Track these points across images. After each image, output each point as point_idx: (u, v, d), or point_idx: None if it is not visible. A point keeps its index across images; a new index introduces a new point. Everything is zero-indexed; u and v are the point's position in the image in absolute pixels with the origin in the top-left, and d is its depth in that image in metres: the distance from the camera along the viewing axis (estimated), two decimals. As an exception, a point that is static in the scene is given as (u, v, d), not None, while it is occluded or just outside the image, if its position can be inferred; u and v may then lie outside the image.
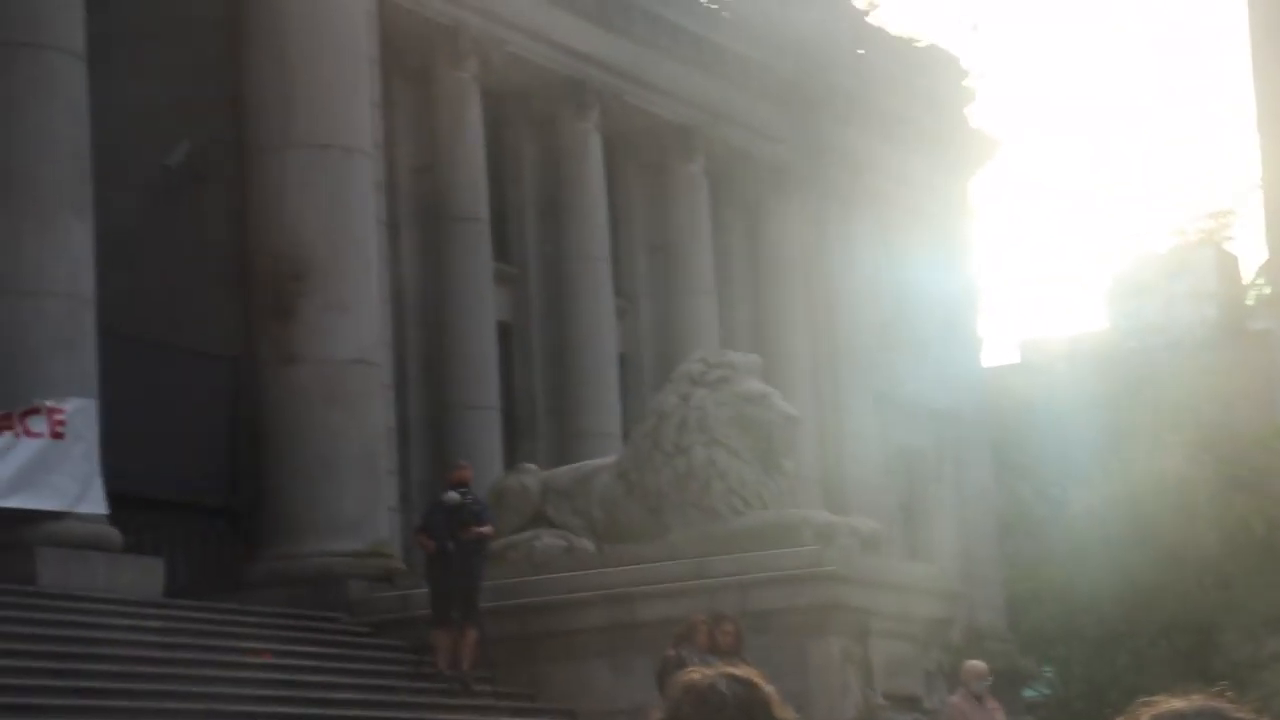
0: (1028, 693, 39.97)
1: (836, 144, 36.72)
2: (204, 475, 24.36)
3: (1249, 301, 56.26)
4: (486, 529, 20.98)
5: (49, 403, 20.18)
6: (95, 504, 20.45)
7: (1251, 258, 60.83)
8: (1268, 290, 53.11)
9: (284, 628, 21.14)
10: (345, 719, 18.83)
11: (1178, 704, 2.76)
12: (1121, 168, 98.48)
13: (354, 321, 24.15)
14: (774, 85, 35.92)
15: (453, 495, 20.91)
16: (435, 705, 20.09)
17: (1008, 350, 76.73)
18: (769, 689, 4.00)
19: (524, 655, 21.46)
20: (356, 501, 23.63)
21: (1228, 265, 60.06)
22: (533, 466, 24.51)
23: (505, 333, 30.24)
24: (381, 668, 20.98)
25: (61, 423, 20.23)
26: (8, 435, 19.83)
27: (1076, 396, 47.23)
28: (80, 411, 20.44)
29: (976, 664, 20.20)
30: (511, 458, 28.08)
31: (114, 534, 20.80)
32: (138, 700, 17.43)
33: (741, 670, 4.03)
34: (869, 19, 40.45)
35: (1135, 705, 2.81)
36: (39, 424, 20.07)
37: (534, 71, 31.10)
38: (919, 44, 41.30)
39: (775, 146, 36.13)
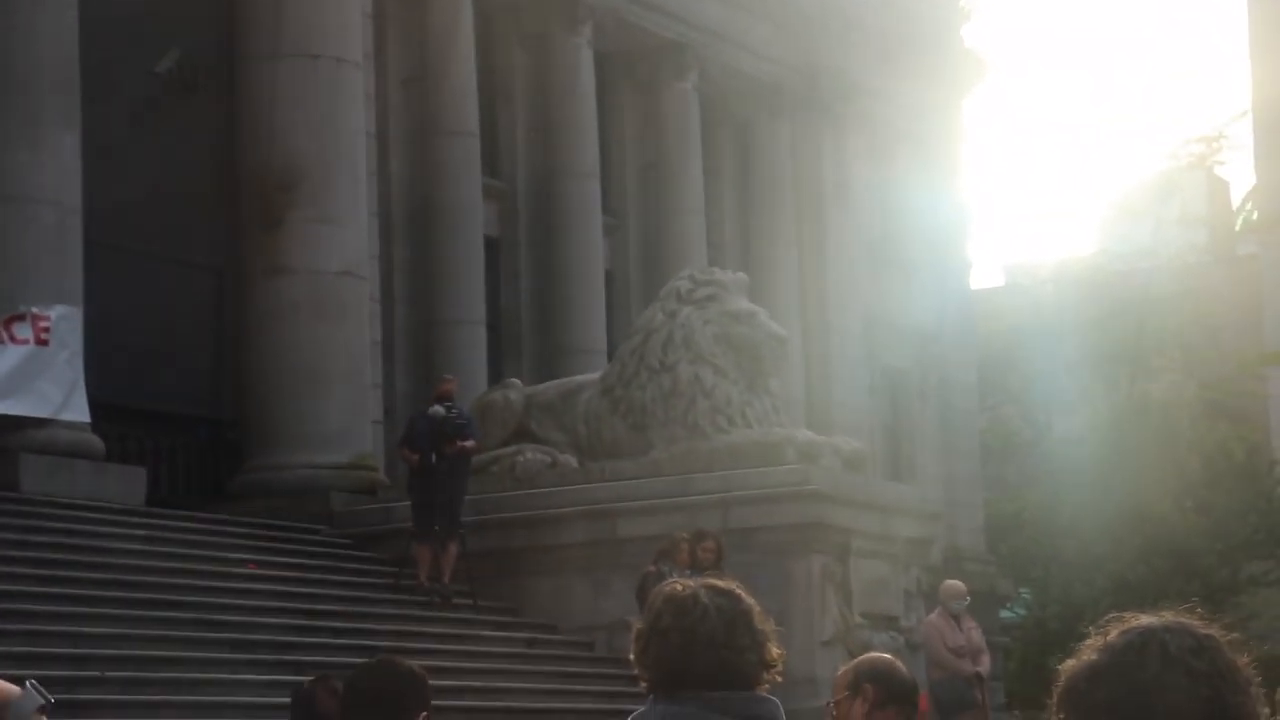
0: (1005, 614, 40.21)
1: (830, 64, 36.57)
2: (188, 385, 24.39)
3: (1238, 226, 56.22)
4: (470, 443, 21.03)
5: (34, 309, 20.16)
6: (79, 411, 20.47)
7: (1243, 183, 60.74)
8: (1255, 215, 53.05)
9: (266, 538, 21.23)
10: (326, 629, 18.94)
11: (1146, 620, 2.82)
12: (1114, 93, 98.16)
13: (342, 234, 24.12)
14: (769, 4, 35.75)
15: (438, 409, 20.96)
16: (416, 617, 20.22)
17: (995, 273, 76.70)
18: (750, 601, 4.01)
19: (505, 570, 21.57)
20: (340, 414, 23.67)
21: (1219, 190, 59.93)
22: (517, 381, 24.56)
23: (492, 248, 30.19)
24: (362, 580, 21.09)
25: (46, 329, 20.22)
26: (-7, 341, 19.82)
27: (1062, 320, 47.26)
28: (65, 318, 20.42)
29: (954, 583, 20.33)
30: (497, 373, 28.11)
31: (97, 442, 20.84)
32: (122, 608, 17.53)
33: (723, 582, 4.05)
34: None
35: (1106, 620, 2.87)
36: (24, 330, 20.06)
37: (526, -15, 30.90)
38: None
39: (768, 66, 35.98)
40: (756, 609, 4.00)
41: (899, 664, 6.77)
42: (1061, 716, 2.82)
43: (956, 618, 19.71)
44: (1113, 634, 2.85)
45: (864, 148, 37.30)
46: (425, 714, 5.40)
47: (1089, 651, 2.83)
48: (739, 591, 3.99)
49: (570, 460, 22.48)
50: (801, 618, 20.05)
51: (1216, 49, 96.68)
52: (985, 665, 19.71)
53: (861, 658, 6.73)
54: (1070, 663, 2.85)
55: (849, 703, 6.35)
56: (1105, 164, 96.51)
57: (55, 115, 21.07)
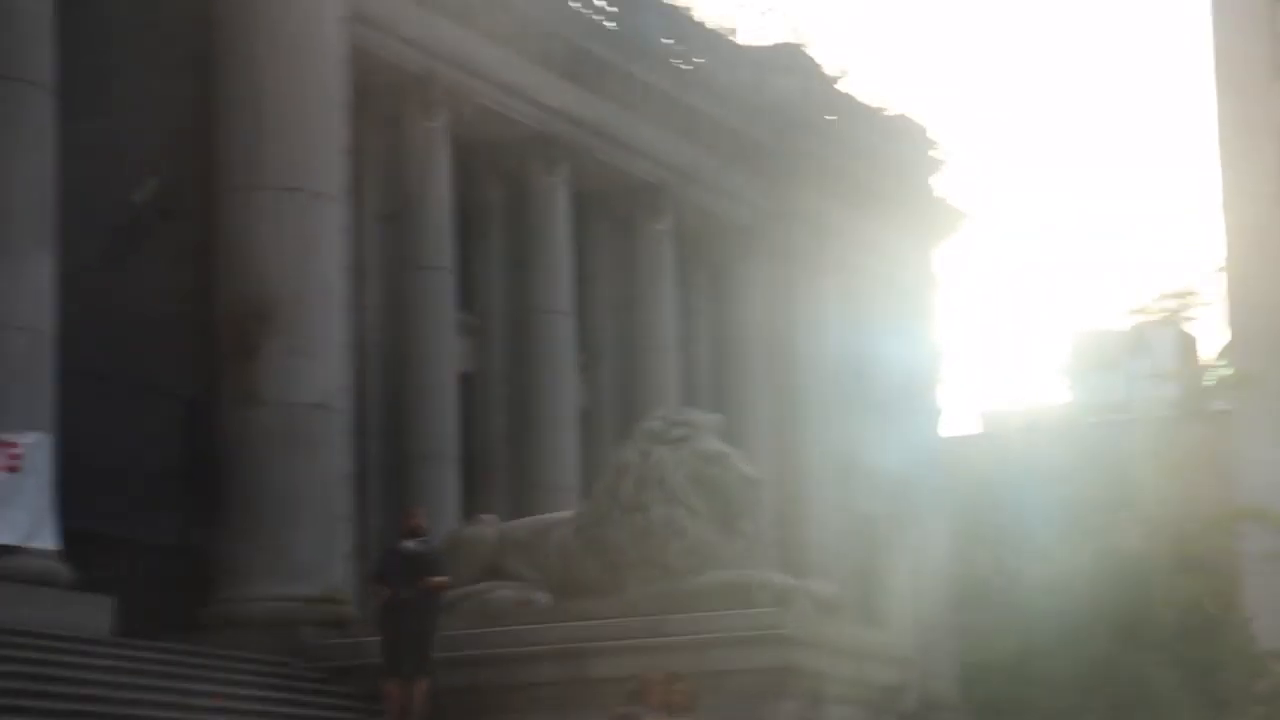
0: (979, 764, 39.88)
1: (804, 209, 36.83)
2: (159, 514, 24.16)
3: (1208, 382, 56.48)
4: (442, 579, 20.82)
5: (5, 436, 20.01)
6: (46, 539, 20.25)
7: (1211, 339, 61.18)
8: (1229, 371, 53.36)
9: (234, 671, 20.93)
10: (292, 765, 18.63)
11: None
12: (1086, 243, 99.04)
13: (317, 366, 24.04)
14: (744, 148, 36.03)
15: (408, 544, 20.77)
16: (384, 755, 19.90)
17: (968, 420, 76.88)
18: None
19: (475, 708, 21.28)
20: (312, 547, 23.47)
21: (1188, 346, 60.33)
22: (491, 517, 24.37)
23: (467, 383, 30.16)
24: (332, 715, 20.79)
25: (17, 456, 20.06)
26: (-38, 468, 19.65)
27: (1035, 469, 47.29)
28: (36, 446, 20.27)
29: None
30: (469, 508, 27.96)
31: (63, 570, 20.59)
32: (83, 739, 17.22)
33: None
34: (839, 85, 40.60)
35: None
36: (-7, 457, 19.89)
37: (505, 124, 31.11)
38: (888, 112, 41.48)
39: (743, 209, 36.22)
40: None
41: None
42: None
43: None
44: None
45: (838, 291, 37.48)
46: None
47: None
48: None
49: (542, 598, 22.27)
50: (775, 762, 19.79)
51: (1188, 204, 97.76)
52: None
53: None
54: None
55: None
56: (1077, 316, 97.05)
57: (29, 241, 21.01)
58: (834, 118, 38.65)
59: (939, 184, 42.13)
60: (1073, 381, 57.70)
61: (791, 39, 39.60)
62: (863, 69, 55.96)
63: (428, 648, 20.44)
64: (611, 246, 34.25)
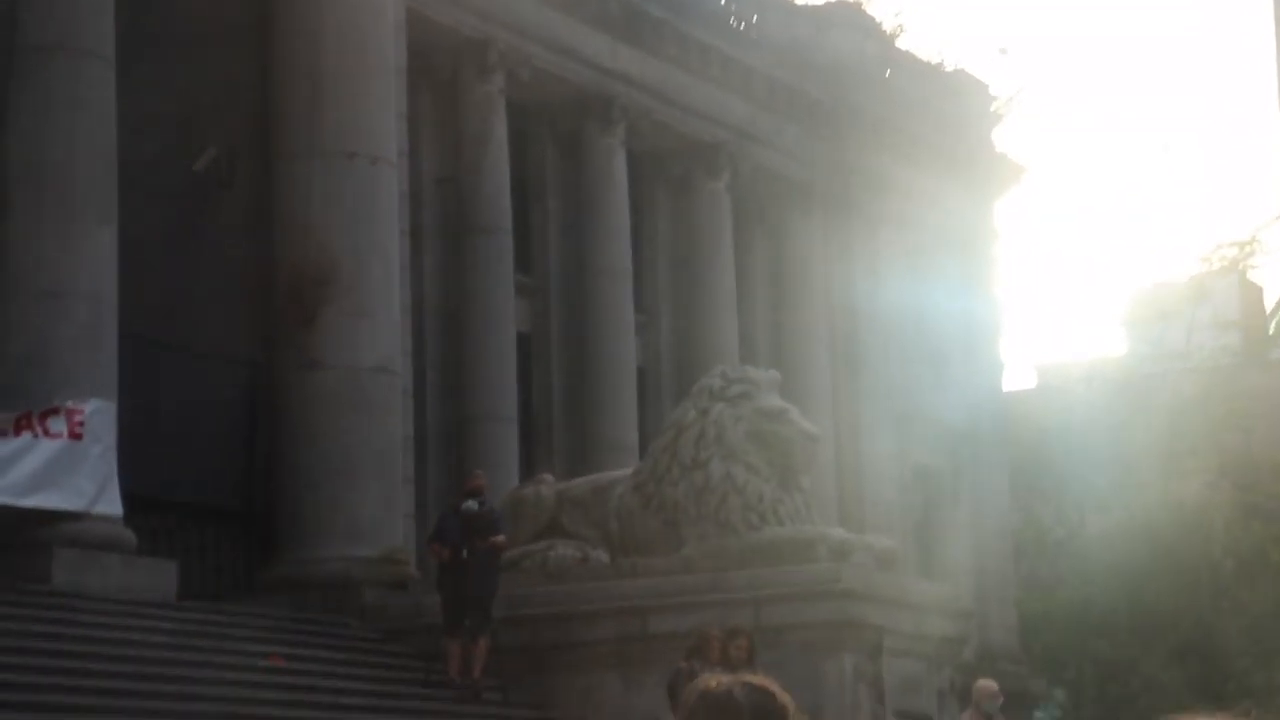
0: (1038, 714, 39.88)
1: (862, 166, 36.75)
2: (221, 479, 24.42)
3: (1271, 330, 56.13)
4: (500, 539, 21.00)
5: (69, 403, 20.25)
6: (111, 505, 20.52)
7: (1273, 287, 60.70)
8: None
9: (296, 632, 21.19)
10: (356, 724, 18.85)
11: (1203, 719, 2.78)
12: (1147, 194, 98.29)
13: (375, 329, 24.22)
14: (801, 107, 35.97)
15: (470, 504, 20.93)
16: (445, 713, 20.11)
17: (1027, 373, 76.58)
18: (786, 698, 3.96)
19: (535, 666, 21.47)
20: (373, 508, 23.68)
21: (1251, 294, 59.88)
22: (549, 477, 24.53)
23: (525, 344, 30.29)
24: (392, 674, 21.01)
25: (80, 424, 20.30)
26: (26, 435, 19.90)
27: (1094, 421, 47.15)
28: (99, 413, 20.51)
29: (988, 683, 20.17)
30: (528, 469, 28.11)
31: (129, 535, 20.87)
32: (150, 701, 17.48)
33: (758, 679, 4.00)
34: (897, 43, 40.49)
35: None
36: (58, 424, 20.13)
37: (561, 86, 31.17)
38: (946, 68, 41.32)
39: (801, 167, 36.17)
40: (791, 706, 3.96)
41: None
42: None
43: (990, 718, 19.54)
44: None
45: (896, 246, 37.40)
46: None
47: None
48: (774, 688, 3.95)
49: (602, 556, 22.41)
50: (834, 716, 19.88)
51: (1252, 153, 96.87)
52: (1018, 765, 19.53)
53: None
54: None
55: None
56: (1138, 266, 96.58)
57: (92, 211, 21.23)
58: (892, 74, 38.54)
59: (998, 138, 41.99)
60: (1133, 332, 57.43)
61: (848, -4, 39.50)
62: (920, 25, 55.68)
63: (488, 606, 20.63)
64: (668, 206, 34.28)
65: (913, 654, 21.24)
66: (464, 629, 20.54)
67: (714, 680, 4.00)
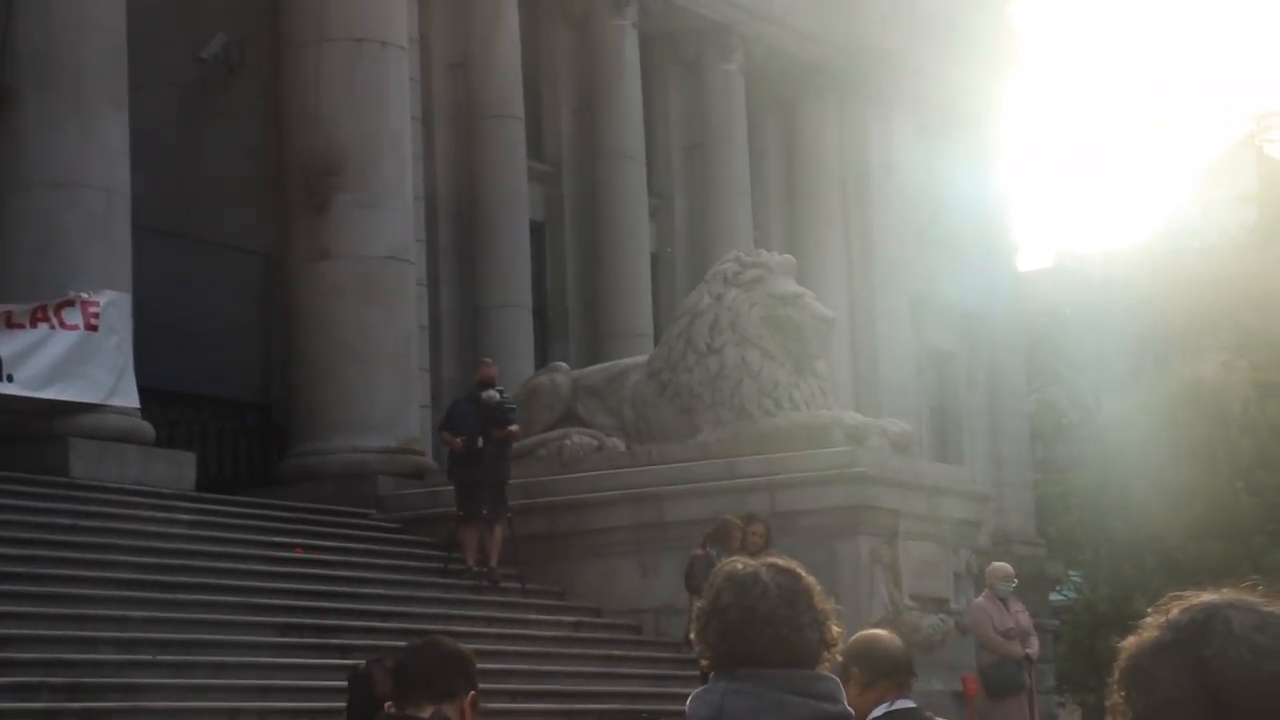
0: (1054, 597, 40.08)
1: (875, 45, 36.44)
2: (236, 370, 24.46)
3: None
4: (515, 428, 21.02)
5: (83, 294, 20.22)
6: (128, 397, 20.54)
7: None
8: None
9: (313, 523, 21.28)
10: (373, 613, 18.96)
11: (1208, 597, 2.78)
12: (1164, 71, 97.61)
13: (387, 218, 24.14)
14: (813, -16, 35.62)
15: (492, 394, 20.90)
16: (463, 601, 20.23)
17: (1043, 255, 76.40)
18: (811, 580, 3.98)
19: (552, 553, 21.57)
20: (387, 398, 23.71)
21: (1269, 169, 59.52)
22: (564, 365, 24.54)
23: (538, 231, 30.19)
24: (409, 563, 21.12)
25: (96, 315, 20.28)
26: (43, 327, 19.89)
27: (1110, 302, 47.06)
28: (114, 304, 20.49)
29: (1002, 565, 20.24)
30: (543, 357, 28.11)
31: (146, 427, 20.92)
32: (170, 592, 17.58)
33: (784, 561, 4.01)
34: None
35: (1166, 599, 2.82)
36: (74, 315, 20.12)
37: (571, -32, 30.90)
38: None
39: (814, 46, 35.88)
40: (817, 587, 3.97)
41: (885, 639, 7.02)
42: (1123, 694, 2.79)
43: (1004, 600, 19.61)
44: (1175, 611, 2.81)
45: (910, 128, 37.17)
46: (473, 694, 5.40)
47: (1151, 629, 2.80)
48: (799, 570, 3.96)
49: (617, 444, 22.46)
50: (850, 600, 19.95)
51: (1271, 23, 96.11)
52: (1034, 648, 19.61)
53: (850, 639, 6.73)
54: (1131, 639, 2.81)
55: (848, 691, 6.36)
56: (1154, 144, 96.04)
57: (103, 101, 21.11)
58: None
59: (1014, 16, 41.65)
60: (1149, 210, 57.22)
61: None
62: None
63: (504, 495, 20.70)
64: (681, 88, 34.06)
65: (929, 537, 21.32)
66: (481, 518, 20.61)
67: (740, 562, 4.02)
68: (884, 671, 6.83)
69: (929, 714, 7.11)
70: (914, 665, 7.25)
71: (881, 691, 6.89)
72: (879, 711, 6.90)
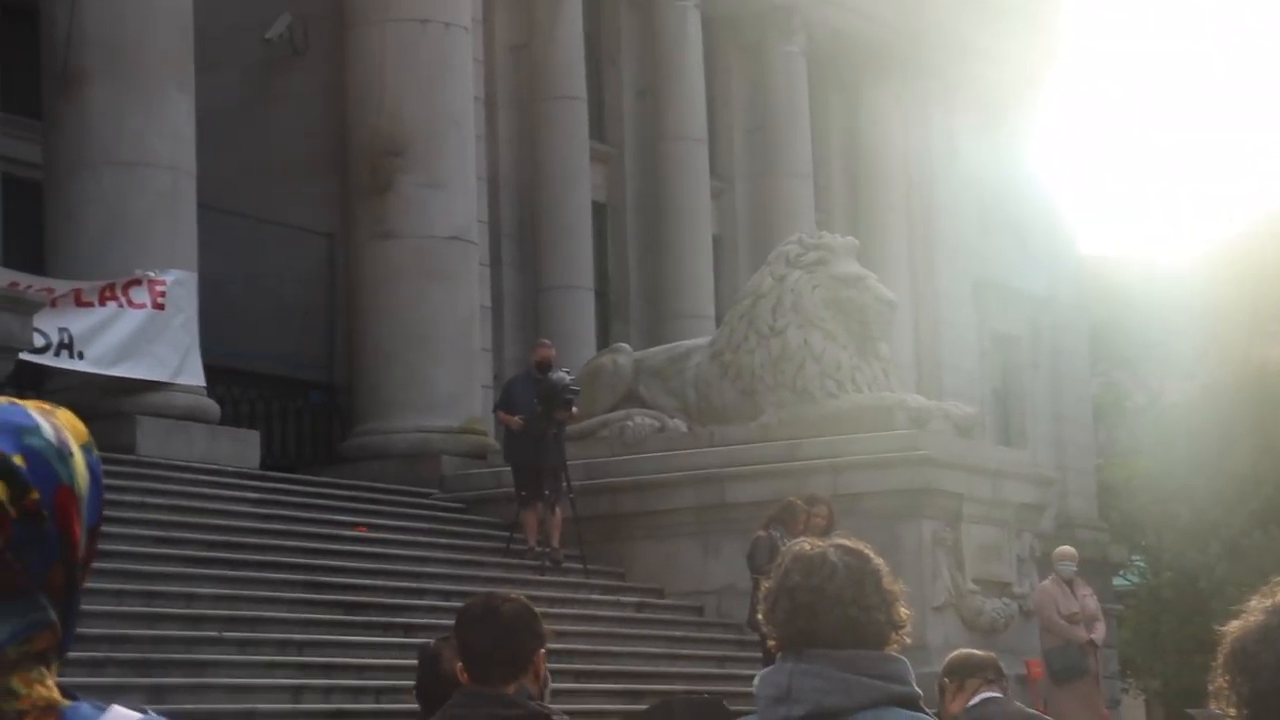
0: (1117, 581, 39.89)
1: (939, 27, 36.28)
2: (300, 350, 24.59)
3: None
4: (570, 409, 20.99)
5: (150, 273, 20.36)
6: (194, 375, 20.68)
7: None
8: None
9: (376, 502, 21.37)
10: (435, 592, 19.03)
11: None
12: (1232, 46, 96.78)
13: (450, 199, 24.20)
14: (876, -35, 35.47)
15: (562, 375, 20.88)
16: (525, 582, 20.24)
17: (1107, 237, 75.97)
18: (879, 561, 3.98)
19: (614, 534, 21.60)
20: (450, 378, 23.78)
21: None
22: (626, 346, 24.54)
23: (600, 213, 30.21)
24: (472, 543, 21.18)
25: (163, 294, 20.42)
26: (112, 305, 20.03)
27: (1176, 284, 46.75)
28: (180, 283, 20.63)
29: (1064, 547, 20.21)
30: (604, 338, 28.14)
31: (212, 405, 21.05)
32: (236, 569, 17.70)
33: (852, 541, 4.01)
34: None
35: (1271, 583, 2.81)
36: (140, 294, 20.26)
37: (634, -51, 30.88)
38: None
39: (877, 28, 35.75)
40: (885, 569, 3.96)
41: (970, 651, 8.77)
42: (1228, 679, 2.77)
43: (1071, 585, 19.56)
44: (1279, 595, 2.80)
45: (974, 110, 37.00)
46: (542, 649, 5.35)
47: (1256, 613, 2.78)
48: (868, 551, 3.95)
49: (679, 425, 22.46)
50: (912, 583, 19.87)
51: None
52: (1099, 632, 19.56)
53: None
54: (1235, 624, 2.79)
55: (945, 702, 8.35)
56: (1223, 126, 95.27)
57: (170, 81, 21.22)
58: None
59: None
60: (1215, 192, 56.81)
61: None
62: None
63: (562, 475, 20.70)
64: (743, 71, 34.00)
65: (992, 521, 21.25)
66: (543, 498, 20.61)
67: (808, 543, 4.01)
68: (969, 673, 8.22)
69: (1015, 703, 8.25)
70: (1001, 667, 8.71)
71: (971, 690, 8.32)
72: (972, 702, 8.32)
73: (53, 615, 2.07)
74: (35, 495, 2.05)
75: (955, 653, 8.54)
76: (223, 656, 15.60)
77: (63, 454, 2.09)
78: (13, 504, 2.04)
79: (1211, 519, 39.15)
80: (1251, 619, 2.76)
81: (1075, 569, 19.85)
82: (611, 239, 30.76)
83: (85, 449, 2.14)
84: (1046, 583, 19.77)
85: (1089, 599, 19.56)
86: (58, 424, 2.12)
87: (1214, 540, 39.10)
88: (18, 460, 2.05)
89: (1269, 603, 2.77)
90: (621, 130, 31.32)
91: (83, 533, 2.11)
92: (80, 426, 2.16)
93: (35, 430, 2.08)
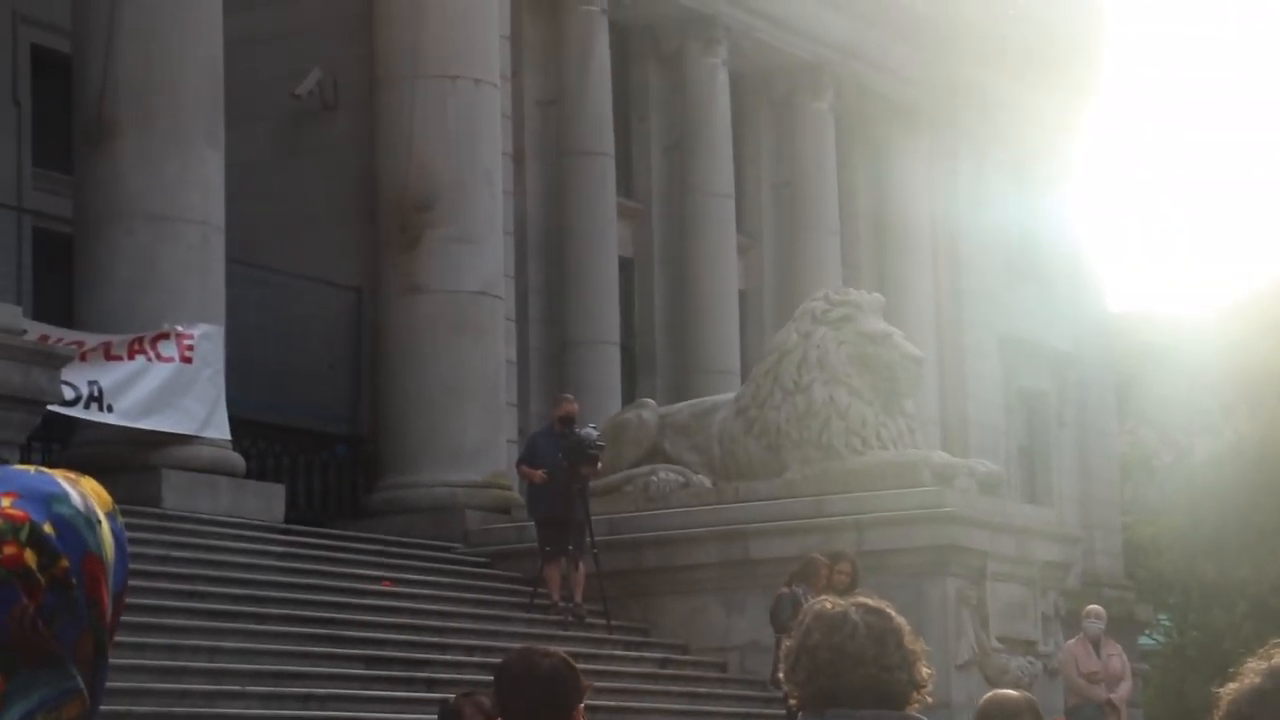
0: (1143, 640, 39.70)
1: (967, 82, 36.35)
2: (326, 403, 24.63)
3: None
4: (594, 465, 20.97)
5: (178, 327, 20.44)
6: (220, 429, 20.73)
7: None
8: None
9: (400, 556, 21.38)
10: (459, 647, 19.03)
11: None
12: (1262, 108, 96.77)
13: (478, 253, 24.28)
14: (905, 22, 35.59)
15: (590, 431, 20.89)
16: (548, 637, 20.21)
17: (1134, 293, 75.81)
18: (901, 620, 3.98)
19: (637, 590, 21.56)
20: (476, 432, 23.81)
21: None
22: (651, 401, 24.55)
23: (627, 268, 30.28)
24: (496, 598, 21.17)
25: (190, 347, 20.49)
26: (140, 359, 20.12)
27: (1203, 341, 46.65)
28: (208, 337, 20.70)
29: (1094, 606, 20.15)
30: (630, 393, 28.15)
31: (238, 459, 21.09)
32: (259, 623, 17.72)
33: (874, 600, 4.02)
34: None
35: (1267, 646, 2.82)
36: (169, 348, 20.34)
37: (663, 5, 31.02)
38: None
39: (905, 84, 35.84)
40: (907, 628, 3.97)
41: (1004, 694, 7.91)
42: None
43: (1097, 644, 19.49)
44: (1277, 658, 2.80)
45: (1002, 165, 37.02)
46: (581, 705, 5.32)
47: (1252, 674, 2.79)
48: (889, 610, 3.96)
49: (704, 481, 22.44)
50: (936, 641, 19.83)
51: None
52: (1124, 691, 19.49)
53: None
54: (1232, 686, 2.80)
55: None
56: (1249, 178, 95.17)
57: (201, 135, 21.34)
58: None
59: (1109, 54, 41.38)
60: (1242, 251, 56.72)
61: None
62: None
63: (586, 530, 20.68)
64: (771, 127, 34.11)
65: (1017, 579, 21.18)
66: (566, 553, 20.59)
67: (830, 602, 4.02)
68: (1007, 718, 7.76)
69: None
70: (1038, 709, 8.11)
71: None
72: None
73: (81, 683, 2.09)
74: (65, 563, 2.08)
75: (989, 695, 8.28)
76: (246, 711, 15.59)
77: (90, 521, 2.12)
78: (43, 572, 2.06)
79: (1238, 578, 38.98)
80: (1247, 681, 2.78)
81: (1103, 627, 19.80)
82: (638, 294, 30.81)
83: (110, 516, 2.17)
84: (1073, 642, 19.69)
85: (1114, 658, 19.50)
86: (84, 492, 2.14)
87: (1241, 600, 38.93)
88: (47, 528, 2.07)
89: (1265, 665, 2.78)
90: (649, 185, 31.42)
91: (109, 600, 2.13)
92: (105, 494, 2.19)
93: (64, 498, 2.11)
